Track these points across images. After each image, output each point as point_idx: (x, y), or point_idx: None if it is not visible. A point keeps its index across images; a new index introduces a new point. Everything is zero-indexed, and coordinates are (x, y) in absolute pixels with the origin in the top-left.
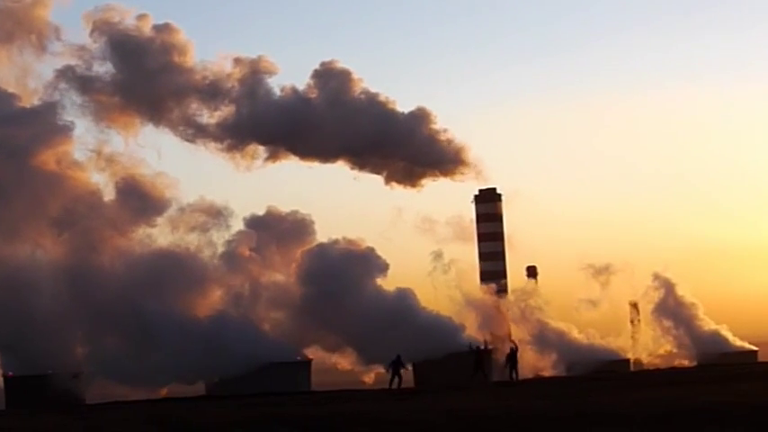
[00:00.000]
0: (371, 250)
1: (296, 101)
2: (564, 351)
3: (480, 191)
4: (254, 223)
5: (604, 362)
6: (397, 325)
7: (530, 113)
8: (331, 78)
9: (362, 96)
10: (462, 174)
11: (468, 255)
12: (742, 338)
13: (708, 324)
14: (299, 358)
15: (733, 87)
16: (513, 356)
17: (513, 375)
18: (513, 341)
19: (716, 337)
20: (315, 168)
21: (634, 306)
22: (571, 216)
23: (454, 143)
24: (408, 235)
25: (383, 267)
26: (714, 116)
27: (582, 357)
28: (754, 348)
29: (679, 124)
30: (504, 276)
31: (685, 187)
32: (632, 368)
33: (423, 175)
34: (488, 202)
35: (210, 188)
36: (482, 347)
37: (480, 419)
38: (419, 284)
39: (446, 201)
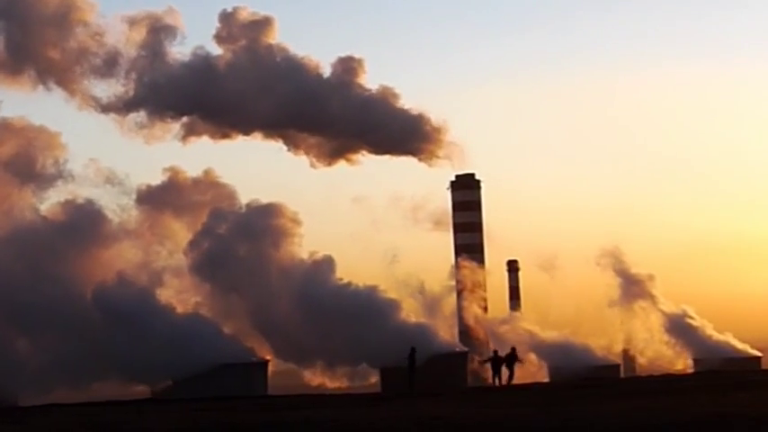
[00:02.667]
0: (290, 215)
1: (202, 66)
2: (545, 355)
3: (457, 176)
4: (152, 194)
5: (592, 367)
6: (306, 302)
7: (514, 93)
8: (241, 34)
9: (278, 59)
10: (424, 153)
11: (444, 246)
12: (745, 342)
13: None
14: (254, 358)
15: (733, 69)
16: (511, 358)
17: (497, 380)
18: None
19: (715, 342)
20: (251, 145)
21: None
22: (559, 206)
23: (409, 113)
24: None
25: (296, 232)
26: (716, 97)
27: (567, 362)
28: (758, 354)
29: (676, 106)
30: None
31: (686, 176)
32: (623, 374)
33: (354, 151)
34: (466, 189)
35: (124, 166)
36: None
37: (454, 429)
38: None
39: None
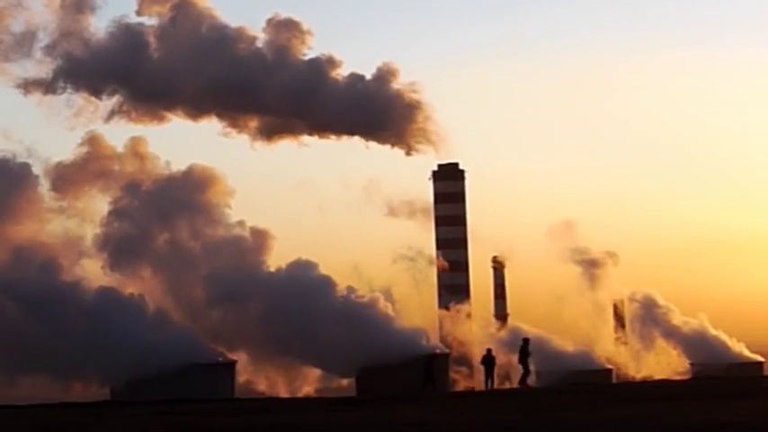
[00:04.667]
0: (219, 184)
1: (126, 39)
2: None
3: (439, 166)
4: (69, 166)
5: (582, 371)
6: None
7: (503, 77)
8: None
9: (208, 30)
10: (392, 136)
11: (423, 241)
12: (747, 347)
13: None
14: (220, 359)
15: (736, 51)
16: (523, 352)
17: (489, 383)
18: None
19: (714, 345)
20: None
21: (618, 307)
22: (548, 198)
23: (360, 90)
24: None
25: (225, 203)
26: (714, 85)
27: (557, 366)
28: (760, 359)
29: (673, 93)
30: (466, 269)
31: (686, 166)
32: (615, 379)
33: (295, 131)
34: (448, 180)
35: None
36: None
37: None
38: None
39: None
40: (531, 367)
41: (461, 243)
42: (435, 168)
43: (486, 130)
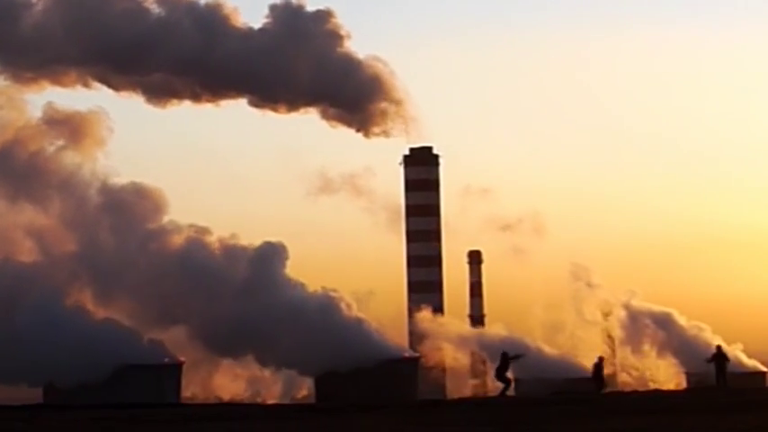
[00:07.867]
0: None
1: None
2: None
3: (411, 150)
4: None
5: (568, 380)
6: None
7: (481, 54)
8: None
9: None
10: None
11: (391, 235)
12: (749, 355)
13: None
14: (166, 359)
15: (733, 31)
16: (504, 361)
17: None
18: None
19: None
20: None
21: (607, 315)
22: (533, 186)
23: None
24: None
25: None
26: (707, 65)
27: (538, 372)
28: (763, 369)
29: (670, 71)
30: (439, 263)
31: (681, 156)
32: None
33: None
34: (420, 166)
35: None
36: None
37: None
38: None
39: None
40: (510, 375)
41: (434, 235)
42: (406, 153)
43: (464, 113)
